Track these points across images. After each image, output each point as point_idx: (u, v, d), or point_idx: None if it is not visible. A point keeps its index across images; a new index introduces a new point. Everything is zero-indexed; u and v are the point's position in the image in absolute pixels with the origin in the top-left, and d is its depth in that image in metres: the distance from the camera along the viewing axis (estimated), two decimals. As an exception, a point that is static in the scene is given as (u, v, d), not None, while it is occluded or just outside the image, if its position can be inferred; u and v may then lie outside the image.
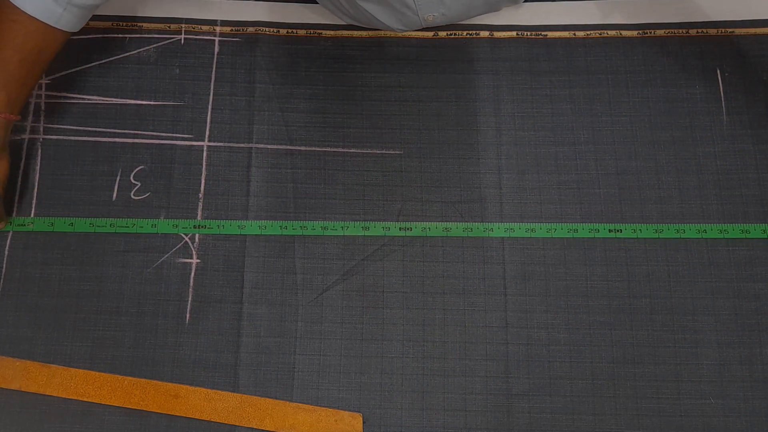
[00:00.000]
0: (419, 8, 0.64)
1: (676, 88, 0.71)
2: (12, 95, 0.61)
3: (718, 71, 0.72)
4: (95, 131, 0.70)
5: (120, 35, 0.73)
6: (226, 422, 0.62)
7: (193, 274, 0.67)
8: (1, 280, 0.66)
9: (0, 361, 0.64)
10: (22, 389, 0.63)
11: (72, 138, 0.70)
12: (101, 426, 0.63)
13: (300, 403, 0.63)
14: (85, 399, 0.62)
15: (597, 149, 0.70)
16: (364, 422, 0.62)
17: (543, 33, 0.73)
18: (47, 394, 0.63)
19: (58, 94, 0.71)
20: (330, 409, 0.62)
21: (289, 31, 0.74)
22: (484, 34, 0.73)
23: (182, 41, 0.73)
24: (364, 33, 0.74)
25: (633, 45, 0.73)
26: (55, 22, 0.60)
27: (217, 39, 0.73)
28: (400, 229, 0.68)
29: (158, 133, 0.70)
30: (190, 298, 0.66)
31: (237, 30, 0.74)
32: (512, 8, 0.74)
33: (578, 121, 0.70)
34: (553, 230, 0.67)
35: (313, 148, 0.70)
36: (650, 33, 0.73)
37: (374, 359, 0.64)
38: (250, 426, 0.62)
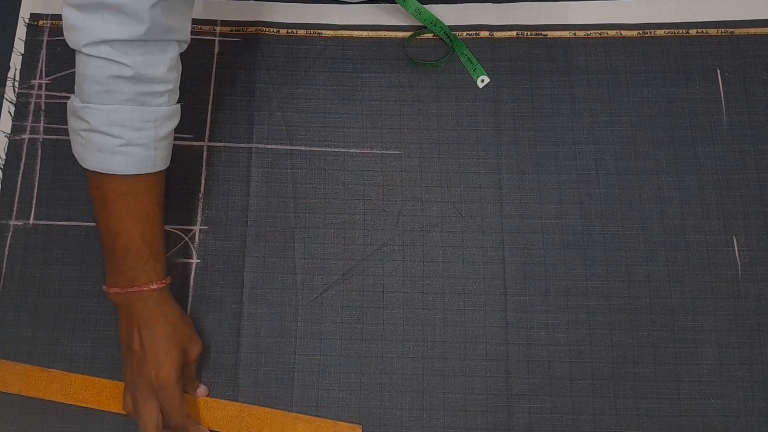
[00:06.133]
0: None
1: (676, 88, 0.71)
2: (161, 258, 0.59)
3: (718, 71, 0.72)
4: (95, 131, 0.70)
5: (120, 35, 0.73)
6: (224, 431, 0.62)
7: (193, 274, 0.67)
8: (1, 280, 0.66)
9: (0, 364, 0.63)
10: (21, 393, 0.62)
11: (72, 138, 0.70)
12: (101, 426, 0.63)
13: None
14: (84, 405, 0.62)
15: (597, 149, 0.70)
16: None
17: (543, 33, 0.73)
18: (46, 398, 0.62)
19: (58, 94, 0.71)
20: (329, 420, 0.62)
21: (289, 31, 0.74)
22: (484, 34, 0.73)
23: (182, 41, 0.73)
24: (364, 33, 0.74)
25: (633, 45, 0.73)
26: (152, 166, 0.57)
27: (217, 39, 0.73)
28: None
29: (158, 133, 0.70)
30: (190, 298, 0.66)
31: (237, 30, 0.74)
32: (512, 8, 0.74)
33: (578, 121, 0.70)
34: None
35: (313, 148, 0.70)
36: (650, 33, 0.73)
37: (374, 359, 0.64)
38: None
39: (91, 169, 0.56)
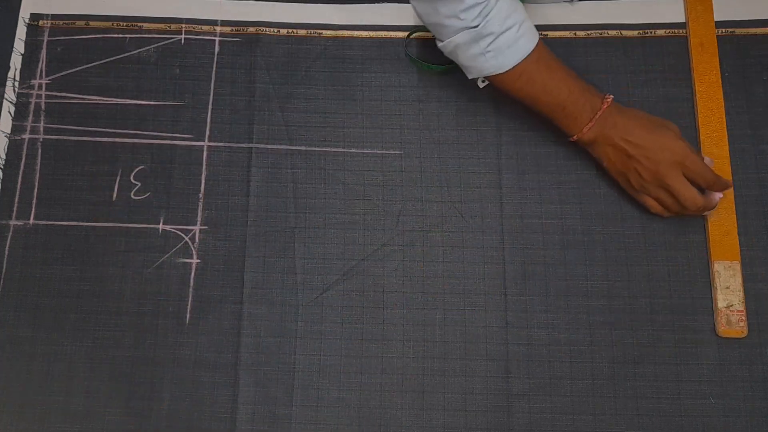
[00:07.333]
0: None
1: (676, 88, 0.71)
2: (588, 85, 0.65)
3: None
4: (95, 131, 0.70)
5: (120, 35, 0.73)
6: None
7: (193, 274, 0.67)
8: (1, 280, 0.66)
9: None
10: None
11: (72, 138, 0.70)
12: (102, 426, 0.63)
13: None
14: None
15: (597, 149, 0.70)
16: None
17: (543, 33, 0.73)
18: None
19: (58, 94, 0.71)
20: None
21: (289, 31, 0.74)
22: (484, 34, 0.73)
23: (182, 41, 0.73)
24: (364, 33, 0.74)
25: (633, 45, 0.73)
26: (535, 31, 0.64)
27: (217, 39, 0.73)
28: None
29: (158, 133, 0.70)
30: (190, 298, 0.66)
31: (237, 30, 0.74)
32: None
33: (578, 121, 0.70)
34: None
35: (313, 148, 0.70)
36: (650, 33, 0.73)
37: (374, 359, 0.65)
38: None
39: (512, 65, 0.62)
